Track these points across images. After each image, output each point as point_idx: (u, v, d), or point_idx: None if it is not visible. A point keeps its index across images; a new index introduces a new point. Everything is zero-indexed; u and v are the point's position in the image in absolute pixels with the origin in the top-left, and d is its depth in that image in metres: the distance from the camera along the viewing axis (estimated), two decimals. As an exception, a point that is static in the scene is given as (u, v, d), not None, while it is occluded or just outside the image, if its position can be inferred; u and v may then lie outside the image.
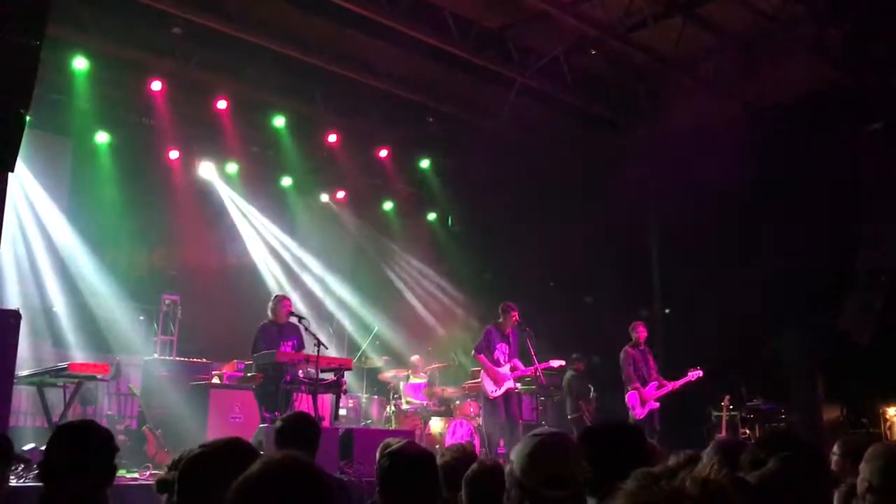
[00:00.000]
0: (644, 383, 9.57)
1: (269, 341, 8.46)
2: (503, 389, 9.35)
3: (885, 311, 9.96)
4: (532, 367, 9.36)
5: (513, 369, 9.46)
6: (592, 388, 11.29)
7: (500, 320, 9.63)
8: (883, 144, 10.14)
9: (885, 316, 9.94)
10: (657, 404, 9.51)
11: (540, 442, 2.62)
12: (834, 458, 3.86)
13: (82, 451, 2.92)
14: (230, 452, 2.39)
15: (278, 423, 4.33)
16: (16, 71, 5.85)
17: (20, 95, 5.91)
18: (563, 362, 9.97)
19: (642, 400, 9.47)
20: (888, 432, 9.66)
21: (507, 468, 2.70)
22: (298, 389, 8.13)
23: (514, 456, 2.68)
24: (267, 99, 11.83)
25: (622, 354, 9.72)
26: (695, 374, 9.63)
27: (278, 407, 7.77)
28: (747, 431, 10.13)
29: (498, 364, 9.48)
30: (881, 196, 10.27)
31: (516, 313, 9.55)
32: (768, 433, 2.98)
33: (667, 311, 12.16)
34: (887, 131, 10.07)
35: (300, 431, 4.12)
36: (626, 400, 9.53)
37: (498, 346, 9.54)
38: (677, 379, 9.72)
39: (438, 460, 4.04)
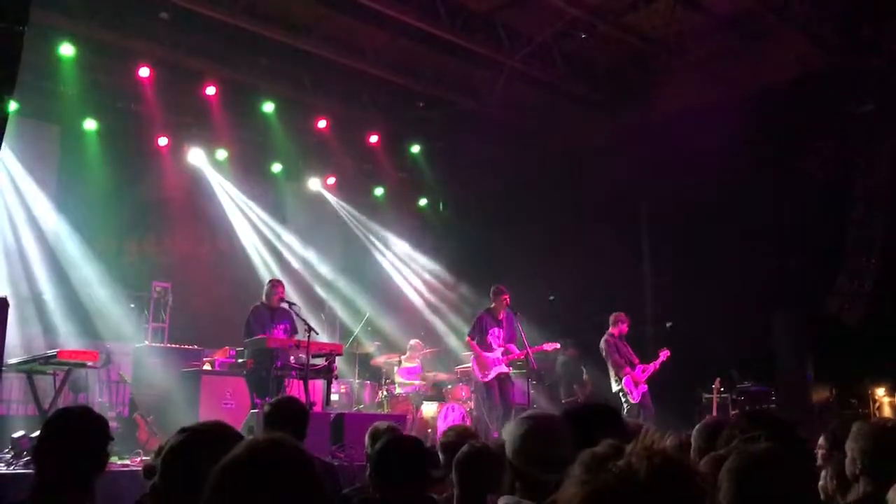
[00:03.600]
0: (633, 367, 9.64)
1: (260, 323, 8.50)
2: (493, 374, 9.40)
3: (874, 293, 10.00)
4: (523, 351, 9.42)
5: (506, 353, 9.51)
6: (585, 372, 11.32)
7: (492, 305, 9.69)
8: (872, 125, 10.15)
9: (874, 297, 9.98)
10: (646, 386, 9.60)
11: (530, 425, 2.63)
12: (820, 452, 3.88)
13: (77, 436, 2.91)
14: (212, 436, 2.38)
15: (267, 408, 4.33)
16: (0, 57, 5.79)
17: (5, 82, 5.86)
18: (556, 345, 9.98)
19: (635, 383, 9.53)
20: (877, 412, 9.72)
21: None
22: (289, 375, 8.15)
23: (505, 438, 2.69)
24: (256, 84, 11.76)
25: (604, 345, 9.77)
26: (664, 353, 9.72)
27: (269, 392, 7.78)
28: (737, 413, 10.19)
29: (490, 348, 9.53)
30: (871, 177, 10.28)
31: (507, 296, 9.60)
32: (745, 413, 3.00)
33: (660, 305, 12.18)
34: (877, 112, 10.07)
35: (288, 415, 4.12)
36: (623, 386, 9.57)
37: (490, 330, 9.58)
38: (649, 362, 9.81)
39: (442, 440, 4.08)
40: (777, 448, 2.31)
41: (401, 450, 3.40)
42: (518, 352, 9.52)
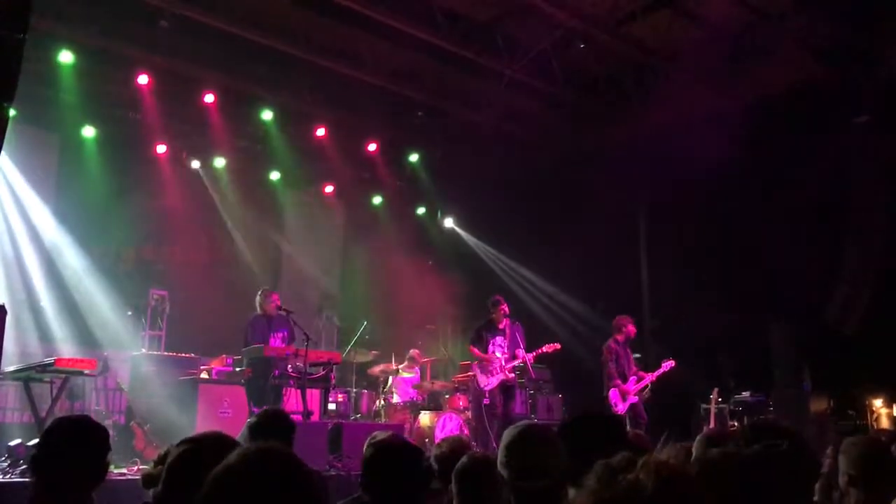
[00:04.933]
0: (624, 379, 9.62)
1: (259, 333, 8.49)
2: (496, 381, 9.36)
3: (871, 303, 10.00)
4: (524, 356, 9.40)
5: (514, 357, 9.46)
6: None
7: (492, 315, 9.68)
8: (869, 137, 10.17)
9: (871, 307, 9.98)
10: (636, 398, 9.57)
11: (517, 434, 2.64)
12: (828, 462, 3.90)
13: (77, 445, 2.90)
14: (216, 446, 2.37)
15: (252, 419, 4.32)
16: (-1, 64, 5.80)
17: (4, 89, 5.86)
18: (557, 346, 9.91)
19: (623, 395, 9.51)
20: (874, 423, 9.71)
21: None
22: (287, 384, 8.13)
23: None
24: (255, 92, 11.77)
25: (605, 350, 9.75)
26: (668, 364, 9.71)
27: (267, 401, 7.77)
28: (735, 424, 10.17)
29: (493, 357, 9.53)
30: (867, 188, 10.31)
31: (505, 306, 9.60)
32: (751, 422, 3.01)
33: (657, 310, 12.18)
34: (873, 124, 10.10)
35: (272, 427, 4.10)
36: (608, 397, 9.55)
37: (492, 340, 9.56)
38: (649, 371, 9.79)
39: (435, 452, 4.06)
40: (732, 451, 2.34)
41: (390, 454, 3.36)
42: (523, 356, 9.49)
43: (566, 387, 11.97)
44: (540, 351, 9.58)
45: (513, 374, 9.51)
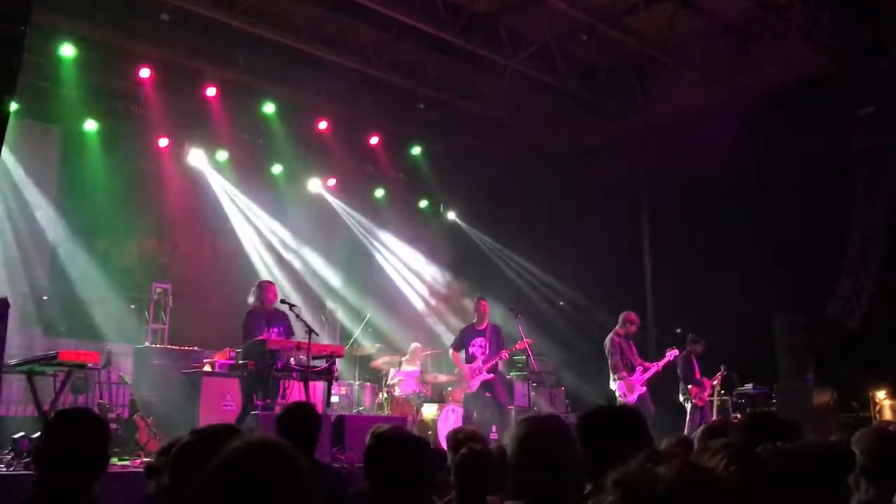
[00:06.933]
0: (631, 370, 9.61)
1: (258, 327, 8.43)
2: (476, 383, 9.71)
3: (875, 295, 10.00)
4: (521, 344, 9.68)
5: (488, 360, 9.76)
6: (723, 368, 10.41)
7: (474, 318, 10.09)
8: (873, 128, 10.15)
9: (875, 300, 9.98)
10: (644, 388, 9.56)
11: (528, 426, 2.63)
12: None
13: (78, 439, 2.91)
14: (223, 439, 2.37)
15: (280, 412, 4.29)
16: (1, 58, 5.79)
17: (5, 82, 5.86)
18: (528, 341, 9.98)
19: (629, 388, 9.49)
20: (877, 415, 9.72)
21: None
22: (290, 376, 8.12)
23: (507, 441, 2.69)
24: (257, 85, 11.76)
25: (608, 343, 9.73)
26: (672, 353, 9.74)
27: (269, 394, 7.78)
28: (738, 416, 10.17)
29: (473, 359, 9.88)
30: (872, 181, 10.28)
31: (484, 304, 9.88)
32: (750, 415, 3.00)
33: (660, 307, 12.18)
34: (878, 115, 10.07)
35: (300, 420, 4.08)
36: (616, 390, 9.56)
37: (472, 342, 9.86)
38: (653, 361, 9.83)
39: (452, 442, 4.06)
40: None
41: (392, 445, 3.35)
42: (504, 354, 9.82)
43: (567, 379, 12.01)
44: (513, 348, 9.77)
45: (492, 375, 9.81)
